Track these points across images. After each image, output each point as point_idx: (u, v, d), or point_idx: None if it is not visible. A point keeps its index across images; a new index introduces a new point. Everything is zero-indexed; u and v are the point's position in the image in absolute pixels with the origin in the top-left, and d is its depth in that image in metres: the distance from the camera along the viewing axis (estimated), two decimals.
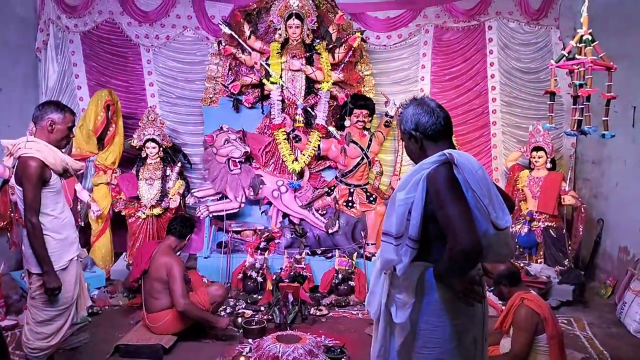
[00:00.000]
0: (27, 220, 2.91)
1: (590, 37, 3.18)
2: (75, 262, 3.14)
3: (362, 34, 5.64)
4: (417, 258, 2.03)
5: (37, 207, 2.91)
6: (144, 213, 5.46)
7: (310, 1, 5.57)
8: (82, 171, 5.49)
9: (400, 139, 2.13)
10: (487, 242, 1.96)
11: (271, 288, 4.80)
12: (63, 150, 3.19)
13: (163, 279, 3.85)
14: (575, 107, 3.24)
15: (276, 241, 5.47)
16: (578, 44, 3.14)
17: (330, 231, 5.46)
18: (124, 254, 5.65)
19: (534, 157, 5.52)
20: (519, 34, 6.15)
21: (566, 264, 5.29)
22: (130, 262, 5.43)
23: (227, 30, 5.58)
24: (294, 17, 5.51)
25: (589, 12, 3.23)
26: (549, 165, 5.54)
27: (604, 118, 3.28)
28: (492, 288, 3.81)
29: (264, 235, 5.45)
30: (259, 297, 4.89)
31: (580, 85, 3.10)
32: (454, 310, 2.04)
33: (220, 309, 4.46)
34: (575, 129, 3.18)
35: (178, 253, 4.15)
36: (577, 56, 3.10)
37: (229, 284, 5.07)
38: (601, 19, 5.18)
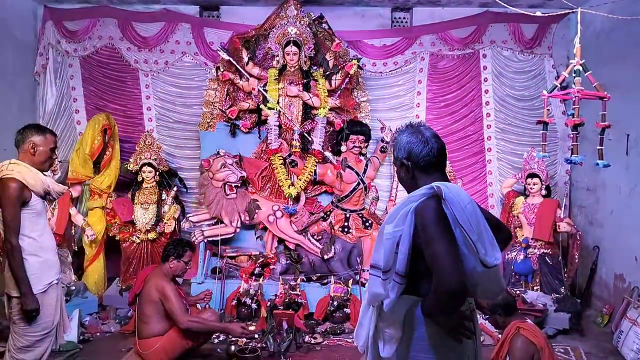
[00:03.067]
0: (6, 241, 2.88)
1: (580, 68, 3.21)
2: (56, 286, 3.09)
3: (358, 61, 5.68)
4: (405, 292, 1.97)
5: (17, 227, 2.89)
6: (138, 237, 5.42)
7: (308, 29, 5.62)
8: (77, 195, 5.52)
9: (392, 163, 2.06)
10: (475, 280, 1.91)
11: (265, 315, 4.72)
12: (48, 173, 3.17)
13: (154, 301, 3.76)
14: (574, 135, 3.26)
15: (271, 267, 5.42)
16: (572, 74, 3.17)
17: (325, 257, 5.41)
18: (117, 279, 5.58)
19: (529, 184, 5.52)
20: (513, 62, 6.21)
21: (562, 291, 5.23)
22: (123, 287, 5.36)
23: (225, 56, 5.62)
24: (291, 44, 5.54)
25: (581, 41, 3.27)
26: (544, 192, 5.54)
27: (598, 147, 3.28)
28: (487, 317, 3.76)
29: (258, 261, 5.40)
30: (253, 324, 4.81)
31: (573, 115, 3.11)
32: (443, 347, 1.98)
33: (214, 335, 4.38)
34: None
35: (180, 280, 4.07)
36: (573, 86, 3.13)
37: (222, 310, 4.99)
38: (593, 48, 5.25)
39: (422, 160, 2.04)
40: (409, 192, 2.08)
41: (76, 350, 4.32)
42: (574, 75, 3.25)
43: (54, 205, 5.06)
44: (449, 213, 1.90)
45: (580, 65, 3.22)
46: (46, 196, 3.08)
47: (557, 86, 3.42)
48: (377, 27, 6.29)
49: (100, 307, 5.28)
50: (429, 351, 1.97)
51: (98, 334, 4.76)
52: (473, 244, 1.90)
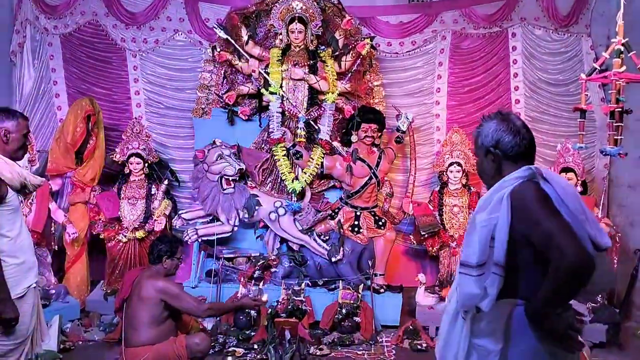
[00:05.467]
0: None
1: (621, 48, 3.17)
2: (33, 291, 3.10)
3: (371, 40, 5.65)
4: (502, 295, 1.96)
5: None
6: (125, 236, 5.45)
7: (315, 4, 5.61)
8: (57, 188, 5.55)
9: (473, 153, 2.17)
10: None
11: (266, 323, 4.75)
12: (25, 163, 3.17)
13: (153, 304, 3.79)
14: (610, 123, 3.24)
15: (272, 270, 5.45)
16: (614, 56, 3.14)
17: (333, 259, 5.42)
18: (102, 282, 5.62)
19: None
20: (546, 43, 6.17)
21: (599, 299, 5.21)
22: (109, 291, 5.39)
23: (222, 34, 5.61)
24: (296, 21, 5.53)
25: (624, 17, 3.23)
26: (579, 189, 5.50)
27: None
28: None
29: (258, 263, 5.40)
30: (252, 333, 4.83)
31: (617, 101, 3.08)
32: (552, 358, 1.94)
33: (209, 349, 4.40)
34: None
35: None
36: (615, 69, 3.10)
37: (218, 318, 5.01)
38: (638, 25, 5.19)
39: (512, 150, 2.10)
40: (489, 185, 2.15)
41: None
42: (615, 56, 3.23)
43: (32, 200, 5.09)
44: (551, 192, 1.94)
45: (623, 44, 3.19)
46: (22, 189, 3.09)
47: (596, 69, 3.39)
48: (393, 3, 6.30)
49: (82, 312, 5.31)
50: None
51: (80, 342, 4.79)
52: (581, 223, 1.92)
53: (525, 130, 2.14)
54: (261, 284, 5.25)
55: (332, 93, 5.61)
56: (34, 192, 4.76)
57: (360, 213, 5.64)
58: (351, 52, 5.65)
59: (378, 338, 4.98)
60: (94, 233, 5.56)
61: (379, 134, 5.69)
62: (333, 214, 5.69)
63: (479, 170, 2.27)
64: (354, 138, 5.62)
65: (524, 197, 1.93)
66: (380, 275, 5.55)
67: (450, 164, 5.63)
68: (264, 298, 4.27)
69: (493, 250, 1.94)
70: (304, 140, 5.62)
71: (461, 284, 2.02)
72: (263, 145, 5.80)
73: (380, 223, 5.63)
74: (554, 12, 6.08)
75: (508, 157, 2.11)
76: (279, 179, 5.70)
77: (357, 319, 5.01)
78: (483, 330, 2.00)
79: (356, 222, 5.61)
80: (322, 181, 5.83)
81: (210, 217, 5.64)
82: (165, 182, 5.76)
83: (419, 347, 4.77)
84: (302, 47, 5.66)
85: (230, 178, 5.48)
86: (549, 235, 1.84)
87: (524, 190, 1.95)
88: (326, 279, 5.43)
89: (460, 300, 2.04)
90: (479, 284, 1.95)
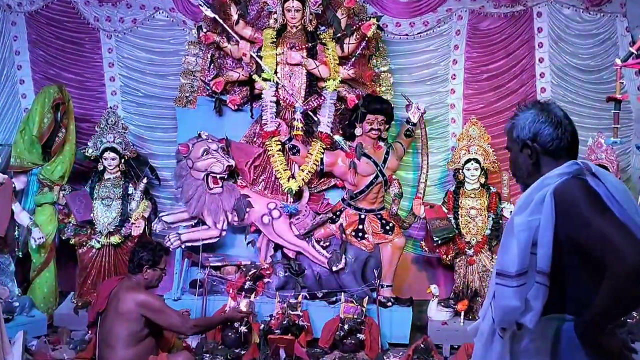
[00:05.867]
0: None
1: None
2: None
3: (378, 20, 5.62)
4: (545, 309, 1.92)
5: None
6: (98, 242, 5.47)
7: None
8: (21, 187, 5.52)
9: (505, 147, 2.19)
10: None
11: (258, 341, 4.75)
12: None
13: (133, 319, 3.81)
14: None
15: (265, 280, 5.44)
16: None
17: (334, 268, 5.40)
18: (72, 293, 5.64)
19: None
20: (576, 23, 6.14)
21: (635, 315, 5.20)
22: (80, 304, 5.37)
23: (209, 13, 5.58)
24: None
25: None
26: None
27: None
28: None
29: (249, 273, 5.41)
30: (242, 352, 4.82)
31: None
32: None
33: None
34: None
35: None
36: None
37: (203, 336, 5.00)
38: None
39: (552, 144, 2.08)
40: (525, 184, 2.13)
41: None
42: None
43: None
44: (602, 190, 1.91)
45: None
46: None
47: (632, 54, 3.38)
48: None
49: (50, 328, 5.33)
50: None
51: None
52: (637, 225, 1.88)
53: (567, 122, 2.11)
54: (252, 296, 5.24)
55: (334, 80, 5.58)
56: None
57: (365, 216, 5.62)
58: (355, 33, 5.62)
59: (385, 357, 4.97)
60: (63, 238, 5.59)
61: (387, 126, 5.68)
62: (334, 217, 5.67)
63: (512, 168, 2.25)
64: (358, 131, 5.60)
65: (571, 195, 1.90)
66: (387, 286, 5.53)
67: (467, 161, 5.59)
68: (243, 307, 4.23)
69: (535, 257, 1.91)
70: (302, 133, 5.61)
71: (498, 297, 1.99)
72: (255, 139, 5.79)
73: (388, 227, 5.61)
74: None
75: (547, 152, 2.09)
76: (273, 178, 5.69)
77: (361, 336, 4.98)
78: (526, 351, 1.97)
79: (360, 227, 5.59)
80: (322, 180, 5.83)
81: (195, 221, 5.64)
82: (144, 180, 5.75)
83: None
84: (299, 27, 5.63)
85: (218, 176, 5.47)
86: (603, 237, 1.80)
87: (570, 187, 1.92)
88: (326, 291, 5.42)
89: (498, 315, 2.00)
90: (518, 296, 1.91)
